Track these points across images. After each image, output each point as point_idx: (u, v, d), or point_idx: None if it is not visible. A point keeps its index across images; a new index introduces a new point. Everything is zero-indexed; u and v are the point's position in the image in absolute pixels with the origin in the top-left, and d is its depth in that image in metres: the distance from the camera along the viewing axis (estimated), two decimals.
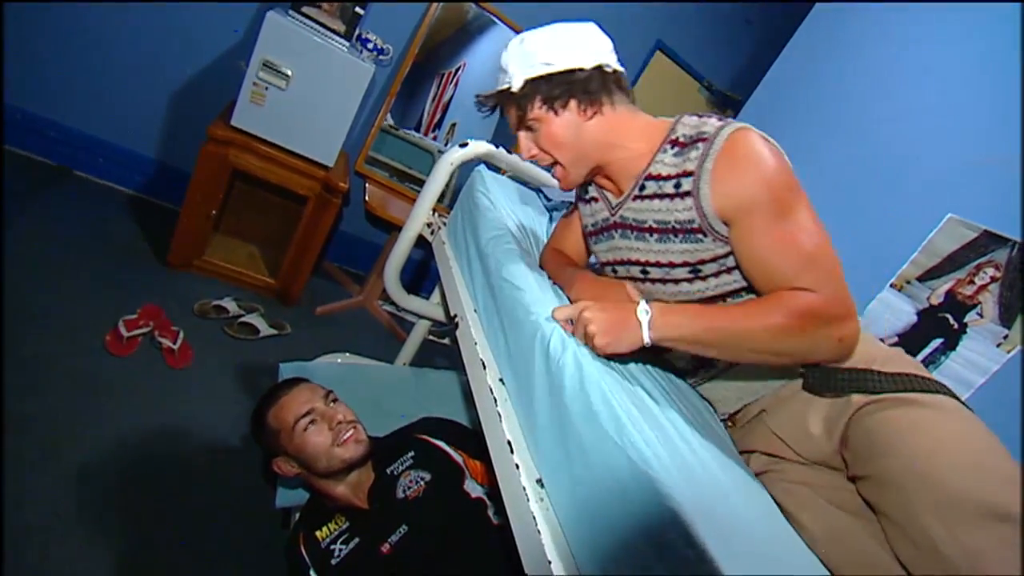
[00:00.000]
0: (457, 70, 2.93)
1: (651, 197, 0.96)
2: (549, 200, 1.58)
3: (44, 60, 2.34)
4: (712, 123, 0.91)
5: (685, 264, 0.95)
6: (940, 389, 0.84)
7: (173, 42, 2.43)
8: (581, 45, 0.97)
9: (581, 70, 0.95)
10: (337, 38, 2.20)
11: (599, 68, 0.96)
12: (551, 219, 1.57)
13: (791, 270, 0.84)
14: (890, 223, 1.59)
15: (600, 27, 1.01)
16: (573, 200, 1.51)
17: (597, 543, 0.67)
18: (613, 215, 1.05)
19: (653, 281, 1.02)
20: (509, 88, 0.98)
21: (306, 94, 2.14)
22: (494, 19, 2.80)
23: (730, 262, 0.93)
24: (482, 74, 2.98)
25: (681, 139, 0.94)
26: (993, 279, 1.35)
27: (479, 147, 1.53)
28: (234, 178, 2.35)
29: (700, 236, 0.91)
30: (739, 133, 0.87)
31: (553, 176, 1.07)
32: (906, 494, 0.75)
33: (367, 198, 2.86)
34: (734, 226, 0.88)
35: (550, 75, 0.95)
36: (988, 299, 1.35)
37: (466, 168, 1.61)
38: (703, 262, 0.94)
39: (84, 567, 1.30)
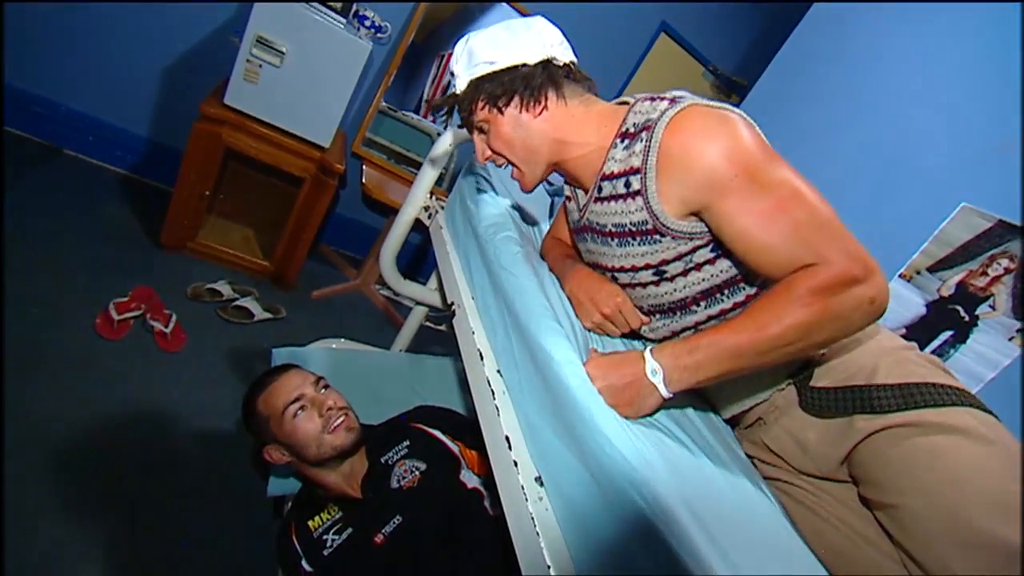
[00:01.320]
0: None
1: (608, 199, 0.90)
2: (551, 184, 1.53)
3: (32, 34, 2.27)
4: (660, 107, 0.82)
5: (647, 267, 0.89)
6: (955, 399, 0.78)
7: (165, 16, 2.36)
8: (525, 40, 0.93)
9: (525, 65, 0.91)
10: (333, 14, 2.13)
11: (546, 62, 0.92)
12: (552, 204, 1.52)
13: (789, 245, 0.74)
14: (901, 211, 1.54)
15: (548, 18, 0.98)
16: None
17: (595, 545, 0.64)
18: (582, 217, 1.01)
19: (623, 287, 0.97)
20: (455, 92, 0.96)
21: (301, 72, 2.08)
22: None
23: (697, 258, 0.86)
24: None
25: (631, 129, 0.86)
26: (1007, 270, 1.31)
27: None
28: (228, 158, 2.30)
29: (657, 237, 0.85)
30: (681, 114, 0.79)
31: (512, 177, 1.04)
32: (929, 532, 0.72)
33: (364, 180, 2.81)
34: (707, 214, 0.80)
35: (492, 74, 0.92)
36: (1001, 291, 1.31)
37: (464, 150, 1.57)
38: (666, 262, 0.87)
39: (71, 551, 1.28)
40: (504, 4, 2.73)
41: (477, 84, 0.93)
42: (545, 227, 1.44)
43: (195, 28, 2.44)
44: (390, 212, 2.91)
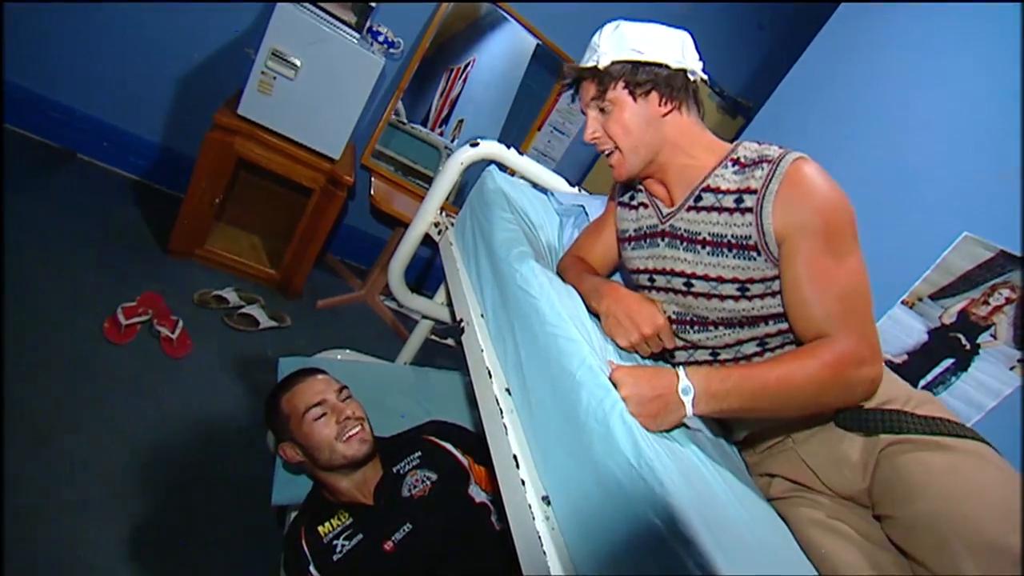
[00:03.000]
0: (466, 66, 2.90)
1: (708, 209, 0.96)
2: (560, 204, 1.55)
3: (50, 39, 2.30)
4: (774, 149, 0.93)
5: (735, 280, 0.94)
6: (974, 435, 0.84)
7: (181, 25, 2.40)
8: (673, 45, 0.98)
9: (667, 67, 0.97)
10: (348, 29, 2.17)
11: (684, 71, 0.98)
12: (561, 223, 1.54)
13: (824, 307, 0.85)
14: (904, 239, 1.56)
15: (694, 39, 1.03)
16: (583, 205, 1.49)
17: (605, 563, 0.65)
18: (663, 223, 1.05)
19: (696, 295, 1.00)
20: (596, 65, 0.98)
21: (314, 85, 2.12)
22: (507, 16, 2.77)
23: (776, 286, 0.92)
24: (491, 71, 2.95)
25: (743, 160, 0.96)
26: (1008, 300, 1.33)
27: (490, 147, 1.50)
28: (239, 167, 2.32)
29: (754, 254, 0.91)
30: (804, 161, 0.89)
31: (608, 163, 1.06)
32: (943, 536, 0.74)
33: (372, 192, 2.84)
34: (784, 246, 0.88)
35: (638, 62, 0.96)
36: (1002, 320, 1.33)
37: (473, 169, 1.59)
38: (752, 281, 0.93)
39: (72, 553, 1.29)
40: (513, 22, 2.76)
41: (622, 66, 0.97)
42: (556, 244, 1.46)
43: (211, 38, 2.47)
44: (397, 224, 2.94)
